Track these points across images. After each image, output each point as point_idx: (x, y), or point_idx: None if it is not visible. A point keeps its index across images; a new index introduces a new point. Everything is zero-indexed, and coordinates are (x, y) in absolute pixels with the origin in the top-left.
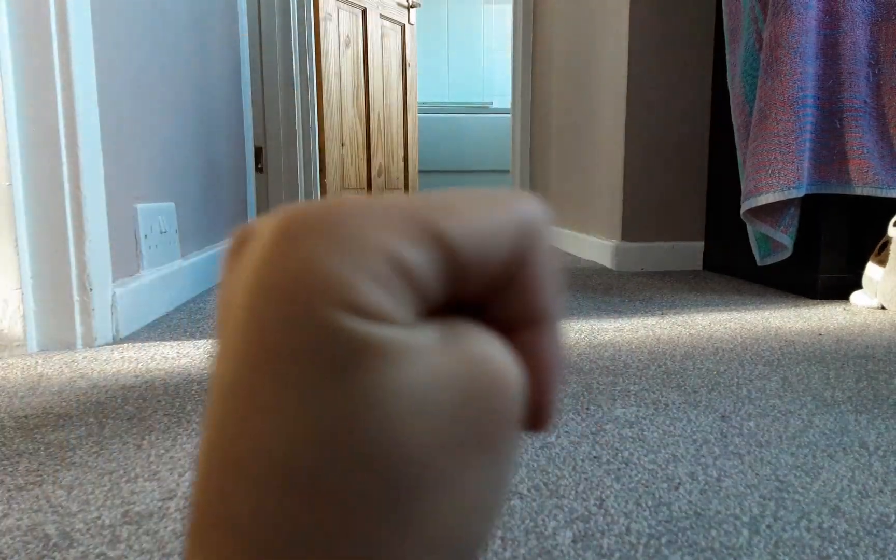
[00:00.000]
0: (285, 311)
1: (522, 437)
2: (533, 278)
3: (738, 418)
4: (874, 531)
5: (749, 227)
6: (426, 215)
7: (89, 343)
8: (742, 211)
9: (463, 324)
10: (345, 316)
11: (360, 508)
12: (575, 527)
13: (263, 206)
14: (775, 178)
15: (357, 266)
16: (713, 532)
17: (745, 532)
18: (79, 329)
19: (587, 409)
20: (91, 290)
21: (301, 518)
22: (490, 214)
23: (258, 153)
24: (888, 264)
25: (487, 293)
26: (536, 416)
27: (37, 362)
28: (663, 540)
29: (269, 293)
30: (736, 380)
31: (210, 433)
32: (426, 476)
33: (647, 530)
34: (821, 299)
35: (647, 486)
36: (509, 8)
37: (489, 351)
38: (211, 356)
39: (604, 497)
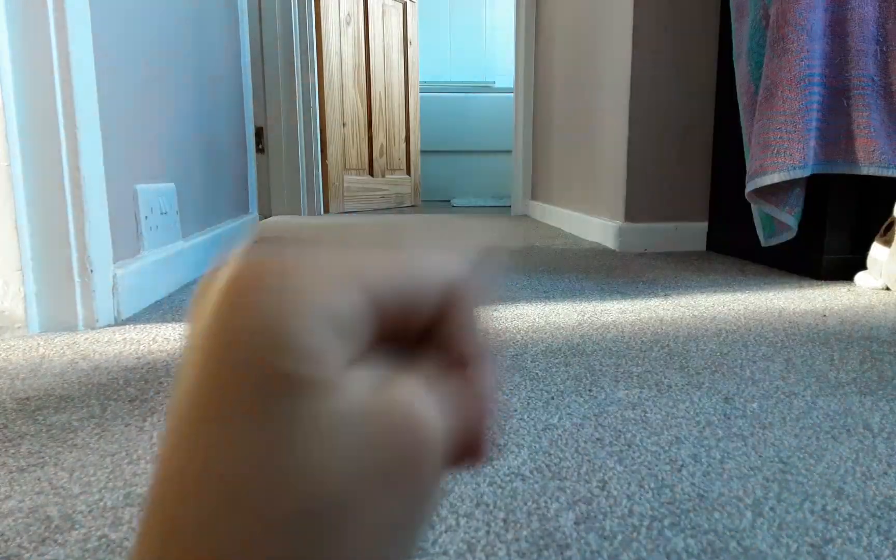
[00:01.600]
0: (233, 355)
1: (446, 476)
2: (459, 327)
3: (742, 400)
4: (878, 513)
5: (753, 208)
6: (359, 272)
7: (90, 325)
8: (747, 191)
9: (398, 372)
10: (282, 358)
11: (283, 527)
12: (577, 509)
13: (264, 186)
14: (781, 158)
15: (295, 315)
16: (716, 514)
17: (749, 514)
18: (80, 311)
19: (590, 390)
20: (92, 271)
21: (235, 534)
22: (416, 274)
23: (259, 133)
24: (893, 245)
25: (421, 339)
26: (470, 452)
27: (38, 344)
28: (666, 522)
29: (223, 339)
30: (739, 361)
31: (167, 453)
32: (341, 502)
33: (649, 512)
34: (825, 280)
35: (649, 468)
36: None
37: (414, 403)
38: (173, 388)
39: (606, 479)
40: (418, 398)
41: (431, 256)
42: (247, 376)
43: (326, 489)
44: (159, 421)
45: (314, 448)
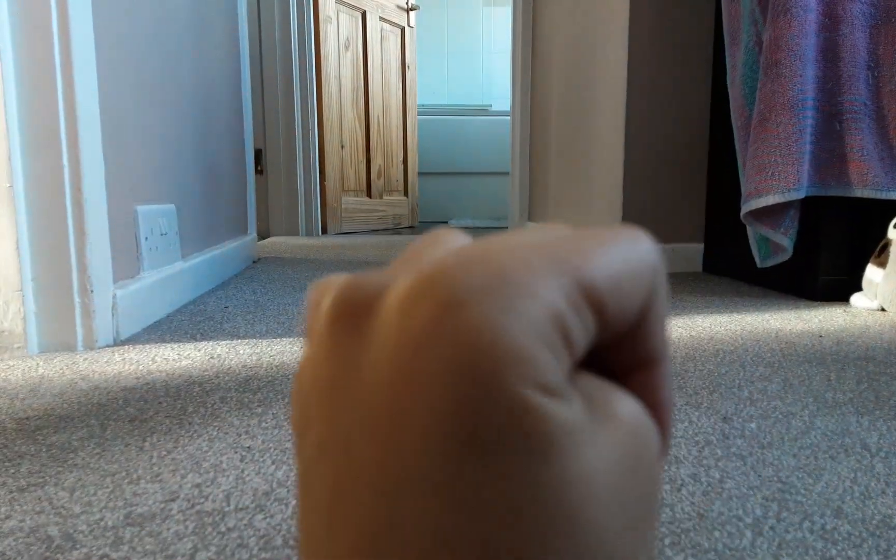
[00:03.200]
0: (472, 390)
1: None
2: (655, 321)
3: (740, 420)
4: (877, 532)
5: (749, 230)
6: (579, 267)
7: (90, 345)
8: (742, 213)
9: (593, 381)
10: (536, 394)
11: None
12: None
13: (263, 207)
14: (775, 181)
15: (538, 336)
16: (716, 533)
17: (749, 533)
18: (79, 331)
19: None
20: (92, 291)
21: None
22: (628, 260)
23: (258, 155)
24: (888, 266)
25: (613, 340)
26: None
27: (38, 364)
28: (666, 541)
29: (447, 372)
30: (737, 381)
31: (367, 522)
32: (606, 555)
33: None
34: (821, 301)
35: None
36: (509, 10)
37: (633, 411)
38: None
39: None
40: (632, 405)
41: (634, 239)
42: (495, 418)
43: (586, 547)
44: (159, 440)
45: (575, 499)
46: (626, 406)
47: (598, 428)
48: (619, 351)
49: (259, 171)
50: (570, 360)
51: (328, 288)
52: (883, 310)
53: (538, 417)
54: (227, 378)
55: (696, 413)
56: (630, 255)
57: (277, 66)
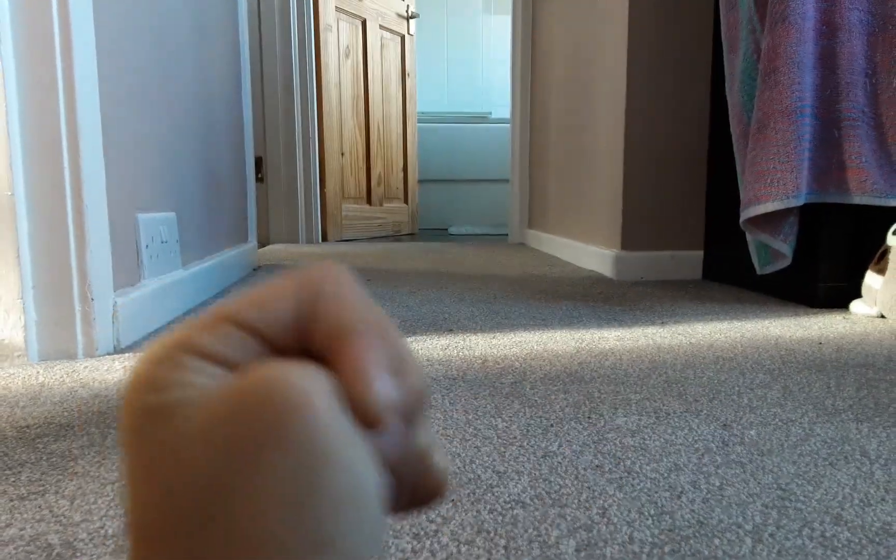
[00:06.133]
0: (125, 405)
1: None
2: (324, 314)
3: (740, 427)
4: (877, 539)
5: (749, 237)
6: (223, 308)
7: (90, 353)
8: (741, 220)
9: (263, 363)
10: (147, 394)
11: (179, 522)
12: (578, 536)
13: (263, 215)
14: (774, 188)
15: (158, 359)
16: (716, 540)
17: (748, 541)
18: (80, 339)
19: (588, 417)
20: (92, 299)
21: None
22: (271, 291)
23: (258, 163)
24: (887, 273)
25: (305, 337)
26: (361, 414)
27: (38, 372)
28: (666, 549)
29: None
30: (737, 388)
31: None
32: (217, 487)
33: (650, 539)
34: (821, 308)
35: (649, 495)
36: (509, 19)
37: (272, 374)
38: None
39: (606, 506)
40: (282, 371)
41: (281, 277)
42: (127, 416)
43: (198, 480)
44: None
45: (179, 450)
46: (259, 373)
47: (209, 396)
48: (318, 340)
49: (259, 178)
50: (216, 362)
51: None
52: (882, 316)
53: (141, 406)
54: None
55: (696, 420)
56: (278, 287)
57: (278, 74)
